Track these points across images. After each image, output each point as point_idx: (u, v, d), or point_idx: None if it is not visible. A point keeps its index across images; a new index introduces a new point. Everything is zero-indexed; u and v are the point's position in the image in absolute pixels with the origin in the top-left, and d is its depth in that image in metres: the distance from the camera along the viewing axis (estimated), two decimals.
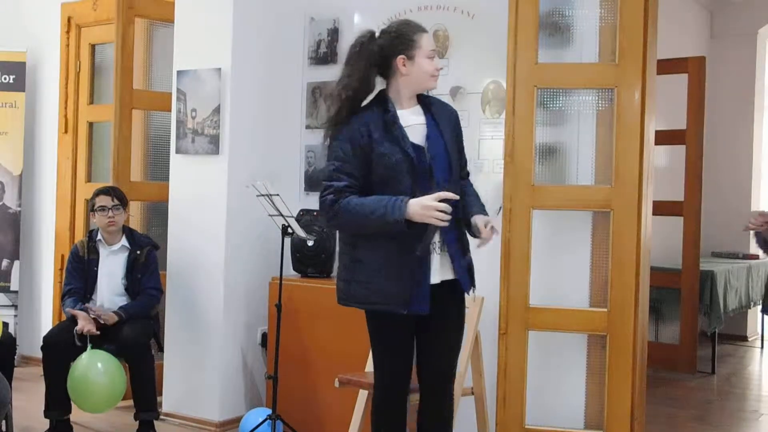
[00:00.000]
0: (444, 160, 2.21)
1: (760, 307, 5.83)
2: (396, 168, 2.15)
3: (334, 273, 3.96)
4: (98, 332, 3.52)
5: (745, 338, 6.23)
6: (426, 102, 2.27)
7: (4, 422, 3.00)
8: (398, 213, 2.09)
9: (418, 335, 2.33)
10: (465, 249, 2.26)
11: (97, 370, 3.49)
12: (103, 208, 3.67)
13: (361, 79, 2.16)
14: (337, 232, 2.24)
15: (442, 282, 2.24)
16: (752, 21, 6.28)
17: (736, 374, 5.14)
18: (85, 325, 3.47)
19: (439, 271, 2.24)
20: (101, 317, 3.58)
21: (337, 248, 3.50)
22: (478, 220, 2.20)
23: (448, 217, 2.09)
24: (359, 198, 2.18)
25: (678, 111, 5.02)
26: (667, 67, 4.26)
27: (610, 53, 2.99)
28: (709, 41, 6.42)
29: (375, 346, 2.38)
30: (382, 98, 2.22)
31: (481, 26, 3.61)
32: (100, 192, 3.81)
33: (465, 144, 2.46)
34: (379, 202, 2.14)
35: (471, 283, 2.31)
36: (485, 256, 2.52)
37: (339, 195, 2.18)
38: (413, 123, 2.21)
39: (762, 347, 6.18)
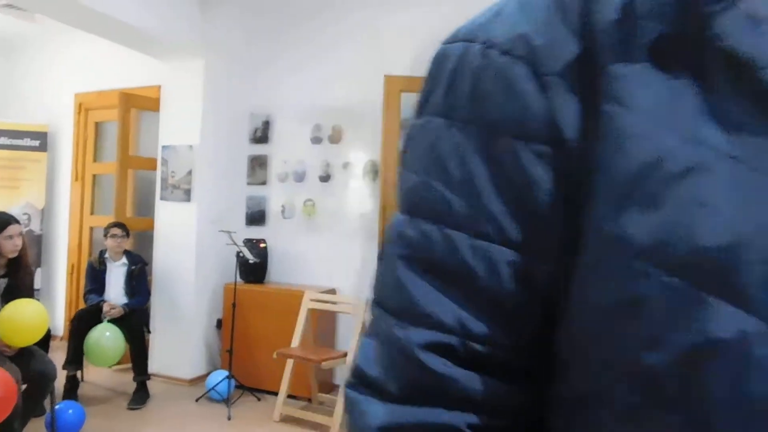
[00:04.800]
0: None
1: None
2: None
3: (266, 279, 4.41)
4: (117, 316, 3.95)
5: None
6: None
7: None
8: None
9: None
10: None
11: (105, 336, 3.87)
12: (114, 236, 4.11)
13: None
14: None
15: None
16: None
17: None
18: (109, 310, 3.97)
19: None
20: (113, 312, 3.96)
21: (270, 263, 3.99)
22: None
23: None
24: None
25: None
26: None
27: None
28: None
29: None
30: None
31: (364, 123, 4.36)
32: (114, 225, 4.13)
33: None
34: None
35: None
36: None
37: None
38: None
39: None
